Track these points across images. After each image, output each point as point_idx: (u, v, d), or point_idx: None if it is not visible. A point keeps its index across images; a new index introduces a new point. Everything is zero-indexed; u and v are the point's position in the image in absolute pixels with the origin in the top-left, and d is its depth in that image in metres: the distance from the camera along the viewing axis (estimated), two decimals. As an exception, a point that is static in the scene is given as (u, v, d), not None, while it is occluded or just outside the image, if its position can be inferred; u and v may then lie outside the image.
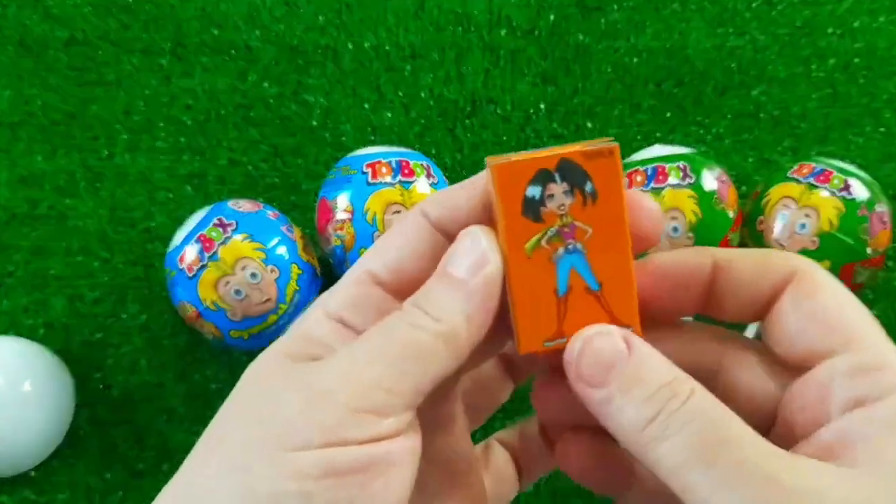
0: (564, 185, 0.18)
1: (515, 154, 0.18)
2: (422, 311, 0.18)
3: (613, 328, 0.18)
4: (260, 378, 0.18)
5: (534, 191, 0.18)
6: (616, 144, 0.18)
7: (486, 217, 0.19)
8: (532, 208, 0.18)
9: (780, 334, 0.19)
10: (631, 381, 0.17)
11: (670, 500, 0.19)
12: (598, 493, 0.22)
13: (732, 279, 0.19)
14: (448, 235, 0.19)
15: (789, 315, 0.18)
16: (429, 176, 0.40)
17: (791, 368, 0.19)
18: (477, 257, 0.18)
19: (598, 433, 0.20)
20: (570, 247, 0.18)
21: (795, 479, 0.15)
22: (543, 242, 0.18)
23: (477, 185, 0.19)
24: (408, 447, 0.17)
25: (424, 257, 0.19)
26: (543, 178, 0.18)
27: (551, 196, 0.18)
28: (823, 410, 0.17)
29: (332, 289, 0.20)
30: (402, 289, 0.19)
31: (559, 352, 0.18)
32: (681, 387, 0.17)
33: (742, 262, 0.19)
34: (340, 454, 0.16)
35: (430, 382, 0.18)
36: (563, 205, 0.18)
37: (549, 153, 0.18)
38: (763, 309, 0.19)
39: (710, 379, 0.19)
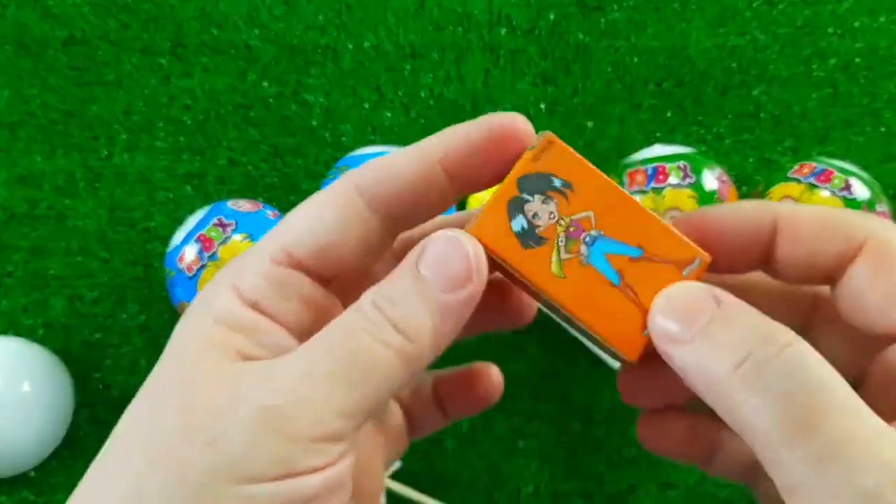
0: (538, 197, 0.17)
1: (477, 207, 0.18)
2: (389, 323, 0.16)
3: (694, 284, 0.17)
4: (189, 375, 0.16)
5: (518, 223, 0.17)
6: (549, 133, 0.17)
7: (435, 198, 0.18)
8: (530, 237, 0.17)
9: (855, 306, 0.17)
10: (719, 325, 0.15)
11: (753, 469, 0.18)
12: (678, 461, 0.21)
13: (793, 240, 0.17)
14: (383, 216, 0.17)
15: (865, 289, 0.16)
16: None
17: (873, 338, 0.17)
18: (460, 271, 0.16)
19: (681, 412, 0.19)
20: (587, 239, 0.17)
21: None
22: (564, 255, 0.17)
23: (426, 155, 0.17)
24: (351, 464, 0.16)
25: (353, 240, 0.17)
26: (516, 206, 0.17)
27: (535, 215, 0.17)
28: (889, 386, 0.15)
29: (241, 259, 0.18)
30: (326, 275, 0.17)
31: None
32: (777, 331, 0.15)
33: (806, 221, 0.17)
34: (297, 486, 0.15)
35: (382, 403, 0.16)
36: (551, 213, 0.17)
37: (503, 184, 0.17)
38: (830, 275, 0.17)
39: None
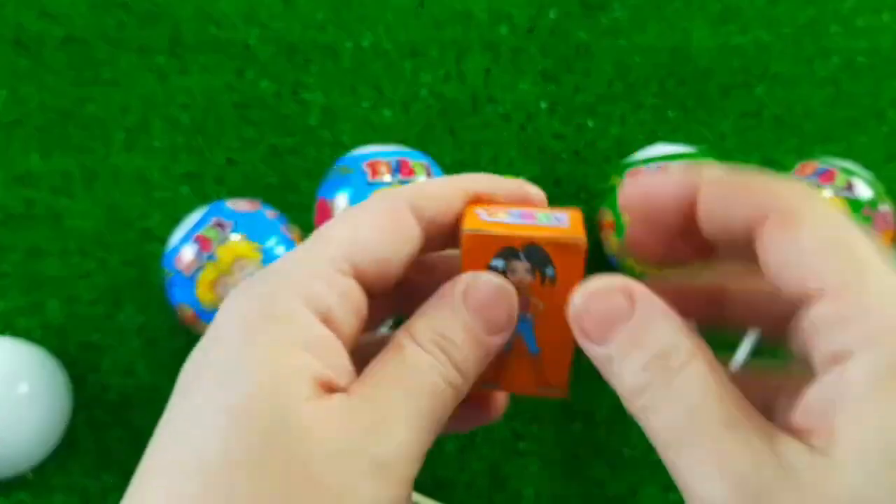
0: (527, 265, 0.19)
1: (491, 219, 0.19)
2: (453, 366, 0.18)
3: (616, 282, 0.18)
4: (291, 419, 0.15)
5: (497, 263, 0.19)
6: (584, 242, 0.18)
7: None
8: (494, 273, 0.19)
9: (766, 274, 0.17)
10: (630, 344, 0.17)
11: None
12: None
13: (708, 209, 0.18)
14: (426, 238, 0.19)
15: (767, 256, 0.17)
16: (428, 175, 0.40)
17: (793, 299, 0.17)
18: (503, 317, 0.18)
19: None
20: (520, 315, 0.19)
21: (775, 472, 0.15)
22: None
23: (470, 192, 0.19)
24: None
25: (405, 257, 0.18)
26: (508, 254, 0.19)
27: (513, 271, 0.19)
28: (811, 363, 0.16)
29: (299, 263, 0.17)
30: (376, 289, 0.18)
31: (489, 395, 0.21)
32: (677, 355, 0.16)
33: (716, 187, 0.18)
34: None
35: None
36: (522, 280, 0.19)
37: (522, 231, 0.19)
38: (745, 246, 0.17)
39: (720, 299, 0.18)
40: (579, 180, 0.46)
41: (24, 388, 0.37)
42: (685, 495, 0.16)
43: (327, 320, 0.17)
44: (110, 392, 0.42)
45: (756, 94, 0.48)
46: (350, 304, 0.17)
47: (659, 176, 0.19)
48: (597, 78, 0.48)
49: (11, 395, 0.37)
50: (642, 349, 0.17)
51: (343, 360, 0.17)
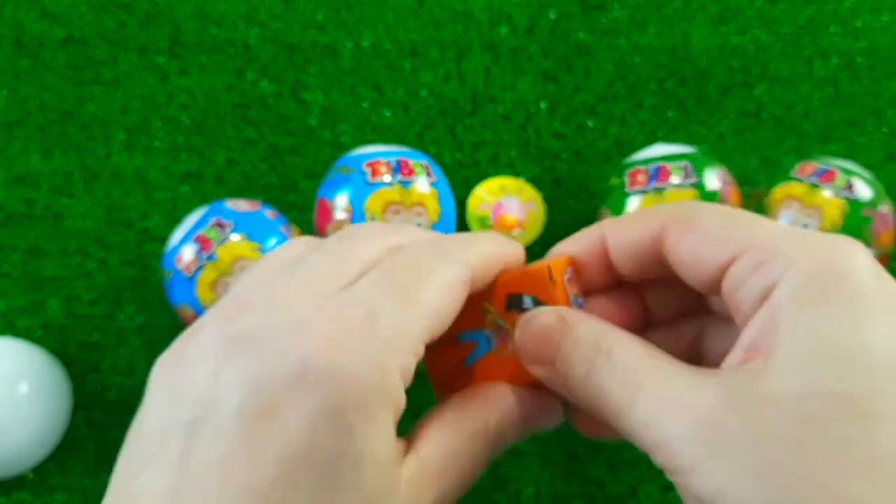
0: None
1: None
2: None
3: (544, 309, 0.20)
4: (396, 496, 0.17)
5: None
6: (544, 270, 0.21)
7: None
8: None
9: (682, 275, 0.19)
10: (570, 350, 0.19)
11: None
12: None
13: (617, 252, 0.21)
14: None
15: (677, 256, 0.19)
16: (428, 175, 0.40)
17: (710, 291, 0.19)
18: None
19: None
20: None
21: (720, 400, 0.16)
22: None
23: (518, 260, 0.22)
24: None
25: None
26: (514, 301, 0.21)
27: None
28: (744, 314, 0.17)
29: (397, 331, 0.18)
30: None
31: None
32: (606, 341, 0.19)
33: (618, 235, 0.21)
34: None
35: None
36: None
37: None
38: (657, 266, 0.20)
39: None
40: (579, 180, 0.46)
41: (23, 387, 0.37)
42: (650, 452, 0.17)
43: (406, 387, 0.18)
44: (110, 392, 0.42)
45: (755, 94, 0.48)
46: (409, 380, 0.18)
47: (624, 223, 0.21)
48: (596, 78, 0.48)
49: (11, 395, 0.37)
50: (579, 347, 0.19)
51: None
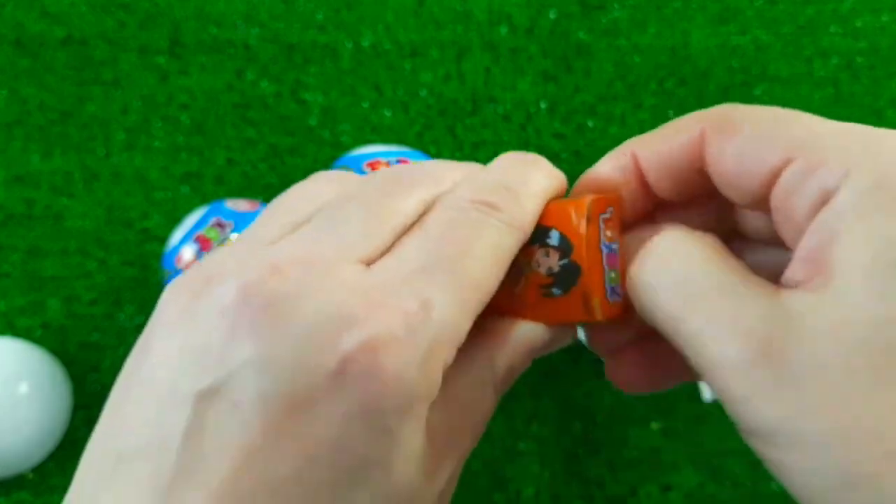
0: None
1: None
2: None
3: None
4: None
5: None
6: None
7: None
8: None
9: (724, 187, 0.18)
10: (656, 265, 0.17)
11: None
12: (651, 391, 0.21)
13: (652, 170, 0.19)
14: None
15: (720, 165, 0.17)
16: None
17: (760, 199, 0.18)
18: None
19: (639, 342, 0.20)
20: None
21: (780, 321, 0.15)
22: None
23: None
24: None
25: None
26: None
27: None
28: (796, 228, 0.16)
29: (441, 328, 0.16)
30: None
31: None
32: (660, 243, 0.17)
33: (651, 150, 0.19)
34: None
35: None
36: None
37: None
38: (699, 182, 0.19)
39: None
40: (579, 180, 0.46)
41: (23, 387, 0.38)
42: (699, 365, 0.16)
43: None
44: (110, 391, 0.42)
45: (755, 94, 0.48)
46: None
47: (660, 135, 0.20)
48: (596, 78, 0.48)
49: (11, 395, 0.37)
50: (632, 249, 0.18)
51: None
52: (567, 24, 0.49)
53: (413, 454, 0.15)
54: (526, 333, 0.18)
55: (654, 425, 0.41)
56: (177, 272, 0.37)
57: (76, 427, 0.41)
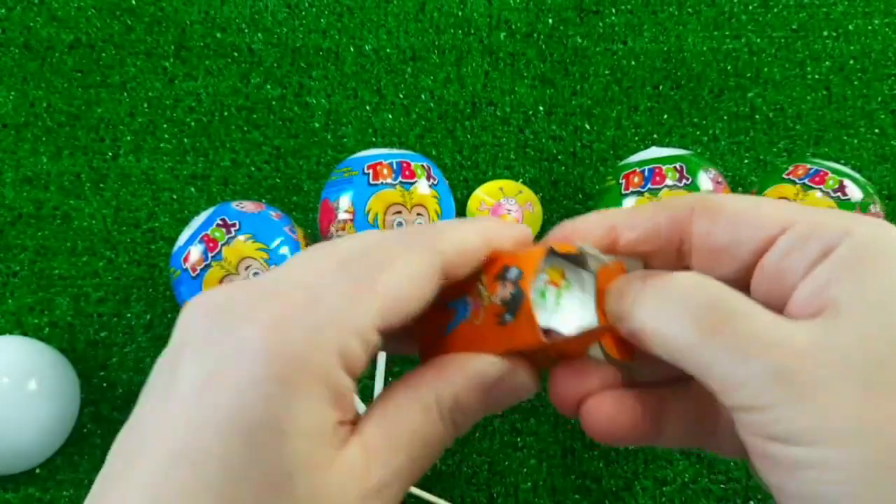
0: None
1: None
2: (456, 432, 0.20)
3: (622, 278, 0.20)
4: (321, 483, 0.17)
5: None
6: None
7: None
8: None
9: (709, 260, 0.19)
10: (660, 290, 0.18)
11: (702, 426, 0.20)
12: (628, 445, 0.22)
13: (630, 244, 0.20)
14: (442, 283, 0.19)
15: (705, 239, 0.19)
16: (429, 177, 0.40)
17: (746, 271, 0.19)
18: None
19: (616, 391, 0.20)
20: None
21: (794, 348, 0.16)
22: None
23: (495, 243, 0.20)
24: None
25: (424, 305, 0.19)
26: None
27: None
28: (789, 282, 0.17)
29: (342, 303, 0.18)
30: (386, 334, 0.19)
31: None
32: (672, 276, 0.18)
33: (633, 224, 0.20)
34: None
35: None
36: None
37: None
38: (679, 254, 0.20)
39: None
40: (576, 182, 0.46)
41: (33, 385, 0.38)
42: (718, 392, 0.17)
43: (350, 370, 0.17)
44: (118, 389, 0.42)
45: (749, 97, 0.48)
46: (371, 351, 0.18)
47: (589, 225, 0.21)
48: (593, 82, 0.49)
49: (21, 392, 0.37)
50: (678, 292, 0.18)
51: (351, 403, 0.18)
52: (564, 29, 0.49)
53: (305, 434, 0.16)
54: (472, 362, 0.19)
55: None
56: (184, 271, 0.38)
57: (84, 423, 0.41)
